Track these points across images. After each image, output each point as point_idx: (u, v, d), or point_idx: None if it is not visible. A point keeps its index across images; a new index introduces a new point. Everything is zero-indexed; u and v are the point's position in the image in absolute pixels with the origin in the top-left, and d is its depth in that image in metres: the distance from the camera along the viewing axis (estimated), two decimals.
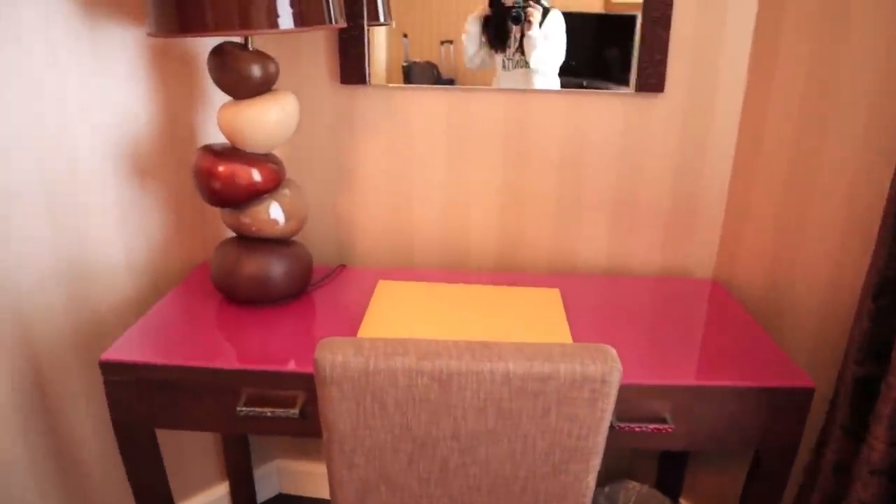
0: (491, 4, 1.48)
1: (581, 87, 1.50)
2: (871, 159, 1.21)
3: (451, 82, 1.51)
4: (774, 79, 1.39)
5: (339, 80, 1.51)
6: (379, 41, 1.48)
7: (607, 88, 1.50)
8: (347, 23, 1.46)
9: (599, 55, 1.49)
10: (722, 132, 1.52)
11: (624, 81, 1.48)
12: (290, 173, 1.61)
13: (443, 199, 1.61)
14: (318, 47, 1.51)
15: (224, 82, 1.25)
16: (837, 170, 1.27)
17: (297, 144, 1.59)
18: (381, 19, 1.60)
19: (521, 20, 1.46)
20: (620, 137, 1.54)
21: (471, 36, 1.49)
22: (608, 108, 1.51)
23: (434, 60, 1.50)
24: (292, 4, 1.13)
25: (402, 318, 1.34)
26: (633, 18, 1.44)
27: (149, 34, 1.17)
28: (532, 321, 1.34)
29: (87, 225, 1.38)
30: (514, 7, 1.46)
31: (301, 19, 1.15)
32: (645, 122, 1.52)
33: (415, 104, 1.54)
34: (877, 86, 1.18)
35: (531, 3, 1.45)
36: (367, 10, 1.50)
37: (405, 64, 1.48)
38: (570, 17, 1.46)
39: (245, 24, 1.10)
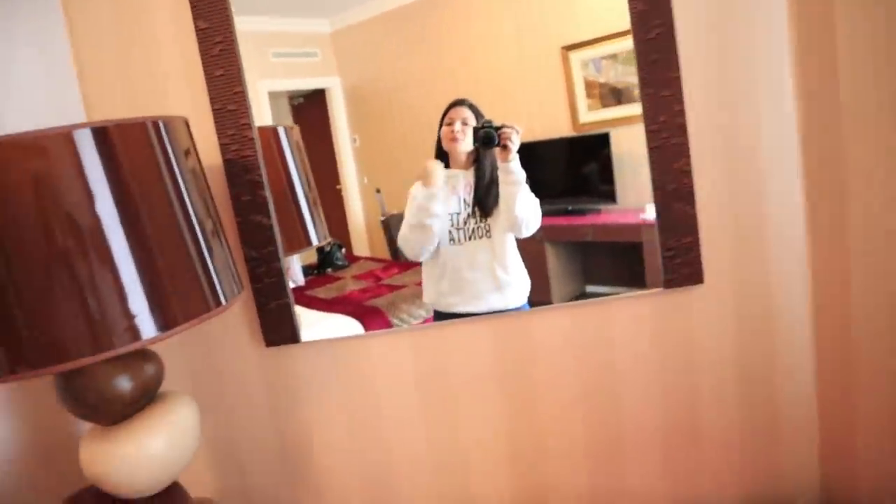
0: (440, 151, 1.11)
1: (566, 211, 1.16)
2: None
3: None
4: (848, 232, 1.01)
5: (264, 342, 1.11)
6: (353, 200, 1.25)
7: (593, 207, 1.15)
8: (256, 271, 1.08)
9: (578, 176, 1.18)
10: (791, 316, 1.12)
11: (609, 196, 1.15)
12: (215, 476, 1.16)
13: (431, 468, 1.17)
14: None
15: (80, 411, 0.84)
16: None
17: (221, 436, 1.16)
18: (315, 241, 1.24)
19: (494, 142, 1.05)
20: (656, 349, 1.13)
21: (422, 206, 1.10)
22: (632, 314, 1.12)
23: None
24: (152, 304, 0.74)
25: None
26: (606, 136, 1.13)
27: None
28: None
29: None
30: (482, 127, 1.06)
31: (169, 320, 0.75)
32: (685, 323, 1.12)
33: (369, 355, 1.13)
34: None
35: (507, 124, 1.05)
36: (290, 237, 1.14)
37: (383, 218, 1.26)
38: (538, 146, 1.11)
39: (84, 350, 0.71)
